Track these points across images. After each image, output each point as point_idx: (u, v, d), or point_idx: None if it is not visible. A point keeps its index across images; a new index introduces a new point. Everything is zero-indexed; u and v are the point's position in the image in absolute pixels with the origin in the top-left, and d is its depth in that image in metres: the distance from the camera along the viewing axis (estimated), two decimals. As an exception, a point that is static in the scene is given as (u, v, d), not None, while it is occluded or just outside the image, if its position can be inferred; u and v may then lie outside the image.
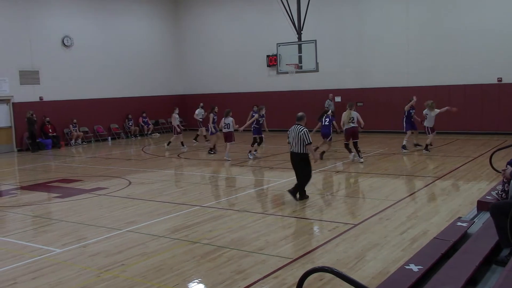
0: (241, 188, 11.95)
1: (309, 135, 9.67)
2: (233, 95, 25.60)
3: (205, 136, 20.43)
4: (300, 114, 9.99)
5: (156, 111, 26.42)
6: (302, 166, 9.84)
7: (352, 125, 14.17)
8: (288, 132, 9.99)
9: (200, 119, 20.67)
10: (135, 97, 25.49)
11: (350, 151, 14.69)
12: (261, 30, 24.69)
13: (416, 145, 16.55)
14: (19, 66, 20.98)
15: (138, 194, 11.44)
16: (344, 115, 14.36)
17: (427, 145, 15.65)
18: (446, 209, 8.90)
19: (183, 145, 19.31)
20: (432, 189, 10.73)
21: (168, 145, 19.68)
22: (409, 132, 16.18)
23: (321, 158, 14.56)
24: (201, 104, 21.37)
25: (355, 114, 14.24)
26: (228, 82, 26.22)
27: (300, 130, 9.64)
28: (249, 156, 15.92)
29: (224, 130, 15.84)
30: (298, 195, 9.91)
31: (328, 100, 22.29)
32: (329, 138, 15.06)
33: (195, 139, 20.99)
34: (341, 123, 14.65)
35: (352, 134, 14.29)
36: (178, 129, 19.24)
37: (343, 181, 12.34)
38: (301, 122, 9.82)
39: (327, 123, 14.98)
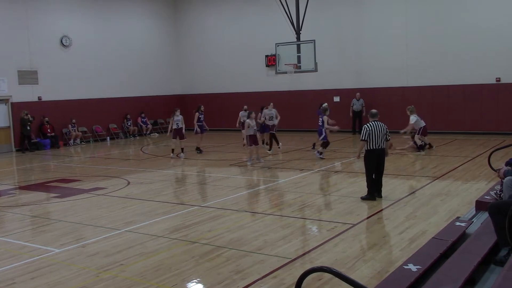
0: (240, 188, 11.95)
1: None
2: (232, 95, 25.60)
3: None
4: (375, 110, 10.09)
5: (155, 111, 26.41)
6: (383, 160, 9.90)
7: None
8: (365, 129, 9.67)
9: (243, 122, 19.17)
10: (134, 97, 25.47)
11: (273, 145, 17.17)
12: (260, 30, 24.68)
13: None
14: (17, 66, 20.94)
15: (137, 194, 11.44)
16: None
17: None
18: (444, 209, 8.91)
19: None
20: (431, 189, 10.73)
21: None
22: None
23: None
24: (245, 107, 19.28)
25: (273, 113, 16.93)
26: (227, 82, 26.20)
27: (384, 126, 9.77)
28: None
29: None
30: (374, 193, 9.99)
31: (354, 99, 21.69)
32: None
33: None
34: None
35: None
36: (199, 129, 17.84)
37: (342, 181, 12.33)
38: (377, 118, 9.90)
39: (320, 123, 15.36)
